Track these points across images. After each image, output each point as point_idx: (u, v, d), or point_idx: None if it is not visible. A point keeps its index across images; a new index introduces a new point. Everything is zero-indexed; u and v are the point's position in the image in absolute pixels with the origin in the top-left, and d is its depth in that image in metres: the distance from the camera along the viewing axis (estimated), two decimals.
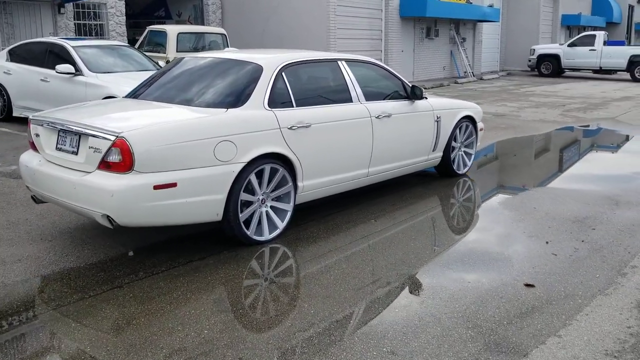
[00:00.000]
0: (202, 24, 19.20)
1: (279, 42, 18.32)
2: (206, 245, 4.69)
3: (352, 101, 5.54)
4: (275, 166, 4.75)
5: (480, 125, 7.30)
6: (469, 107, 7.09)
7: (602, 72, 25.72)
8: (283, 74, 5.02)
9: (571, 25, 34.38)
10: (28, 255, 4.48)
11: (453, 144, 6.84)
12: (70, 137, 4.39)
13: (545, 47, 26.72)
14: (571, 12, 33.58)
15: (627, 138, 10.37)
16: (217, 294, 3.83)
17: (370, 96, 5.75)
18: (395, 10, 20.23)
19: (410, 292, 3.83)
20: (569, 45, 25.82)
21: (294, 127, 4.87)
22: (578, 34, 28.99)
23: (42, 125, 4.65)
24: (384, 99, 5.94)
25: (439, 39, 23.29)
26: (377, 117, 5.66)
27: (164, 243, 4.78)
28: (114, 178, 4.02)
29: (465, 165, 7.17)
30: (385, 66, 6.22)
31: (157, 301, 3.71)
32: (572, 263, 4.33)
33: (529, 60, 26.80)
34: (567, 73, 27.06)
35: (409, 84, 6.27)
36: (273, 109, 4.81)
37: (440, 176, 7.04)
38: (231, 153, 4.41)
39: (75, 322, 3.45)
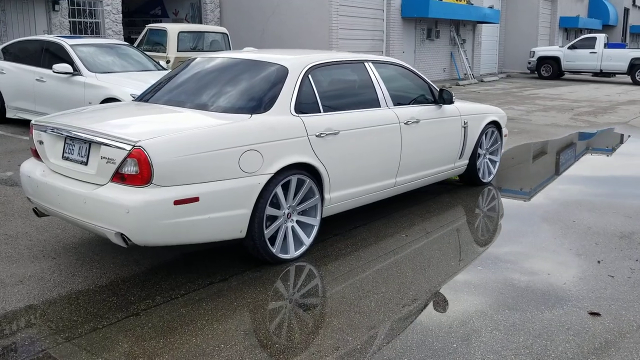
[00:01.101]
0: (200, 22, 18.73)
1: (279, 42, 17.90)
2: (225, 264, 4.27)
3: (379, 106, 5.14)
4: (302, 177, 4.34)
5: (504, 131, 6.93)
6: (495, 112, 6.71)
7: (602, 75, 25.49)
8: (309, 76, 4.61)
9: (568, 28, 34.19)
10: (30, 275, 4.04)
11: (479, 150, 6.46)
12: (79, 145, 3.95)
13: (545, 50, 26.44)
14: (569, 15, 33.39)
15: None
16: (247, 324, 3.40)
17: (397, 100, 5.35)
18: (397, 10, 19.87)
19: (464, 323, 3.42)
20: (569, 48, 25.55)
21: (322, 135, 4.46)
22: (575, 37, 28.79)
23: (45, 131, 4.20)
24: (411, 103, 5.55)
25: (440, 40, 22.97)
26: (405, 123, 5.26)
27: (179, 261, 4.34)
28: (129, 192, 3.59)
29: (490, 173, 6.79)
30: (412, 68, 5.83)
31: (180, 332, 3.29)
32: (633, 286, 3.94)
33: (529, 63, 26.50)
34: (567, 75, 26.80)
35: (436, 87, 5.89)
36: (300, 115, 4.40)
37: (464, 185, 6.65)
38: (257, 164, 3.99)
39: (91, 356, 3.02)
